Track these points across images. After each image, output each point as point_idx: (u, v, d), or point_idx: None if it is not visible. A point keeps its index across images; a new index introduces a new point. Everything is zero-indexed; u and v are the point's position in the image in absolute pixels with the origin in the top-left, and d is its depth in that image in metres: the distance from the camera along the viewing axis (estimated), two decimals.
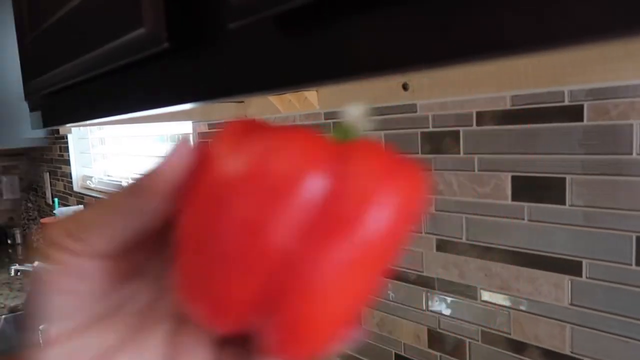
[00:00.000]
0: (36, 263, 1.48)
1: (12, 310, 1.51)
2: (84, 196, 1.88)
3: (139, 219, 0.18)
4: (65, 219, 0.18)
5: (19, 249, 2.31)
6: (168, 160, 0.18)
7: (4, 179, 2.52)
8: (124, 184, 1.57)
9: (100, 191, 1.78)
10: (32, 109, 0.65)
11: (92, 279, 0.18)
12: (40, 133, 1.97)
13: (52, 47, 0.49)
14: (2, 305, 1.52)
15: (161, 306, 0.20)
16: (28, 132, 1.66)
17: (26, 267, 1.48)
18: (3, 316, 1.49)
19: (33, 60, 0.57)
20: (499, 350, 0.58)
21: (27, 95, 0.62)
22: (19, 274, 1.49)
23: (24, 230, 2.39)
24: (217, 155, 0.17)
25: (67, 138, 1.92)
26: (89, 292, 0.18)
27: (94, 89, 0.45)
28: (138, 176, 0.18)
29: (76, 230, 0.18)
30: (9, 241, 2.36)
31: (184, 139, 0.18)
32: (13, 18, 0.60)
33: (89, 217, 0.18)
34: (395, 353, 0.71)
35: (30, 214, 2.36)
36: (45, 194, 2.32)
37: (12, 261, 2.01)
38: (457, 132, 0.59)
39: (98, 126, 1.65)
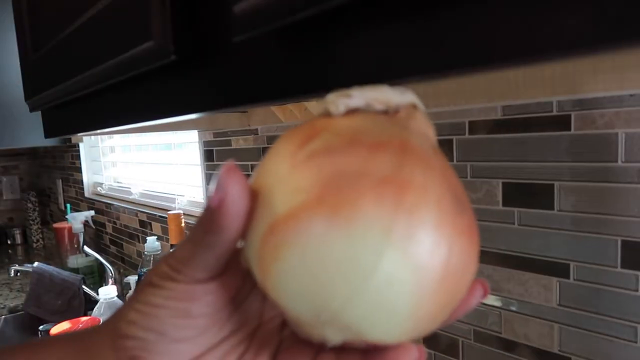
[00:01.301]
0: (36, 263, 1.48)
1: (12, 310, 1.50)
2: (95, 202, 1.89)
3: (220, 250, 0.20)
4: (168, 255, 0.22)
5: (19, 249, 2.30)
6: (228, 191, 0.19)
7: (4, 179, 2.51)
8: (134, 191, 1.59)
9: (110, 197, 1.79)
10: (34, 111, 0.65)
11: (200, 301, 0.21)
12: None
13: (58, 63, 0.49)
14: (2, 306, 1.51)
15: (268, 328, 0.24)
16: (29, 133, 1.66)
17: (26, 267, 1.47)
18: (3, 316, 1.48)
19: (38, 76, 0.56)
20: (491, 349, 0.59)
21: (33, 109, 0.62)
22: (18, 274, 1.48)
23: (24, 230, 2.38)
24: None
25: (78, 147, 1.93)
26: (200, 315, 0.21)
27: (101, 100, 0.46)
28: (206, 210, 0.20)
29: (176, 264, 0.21)
30: (8, 241, 2.34)
31: (231, 166, 0.19)
32: (13, 18, 0.60)
33: (182, 254, 0.21)
34: None
35: (30, 214, 2.35)
36: (57, 200, 2.33)
37: (12, 261, 2.00)
38: (451, 141, 0.60)
39: (108, 135, 1.65)
